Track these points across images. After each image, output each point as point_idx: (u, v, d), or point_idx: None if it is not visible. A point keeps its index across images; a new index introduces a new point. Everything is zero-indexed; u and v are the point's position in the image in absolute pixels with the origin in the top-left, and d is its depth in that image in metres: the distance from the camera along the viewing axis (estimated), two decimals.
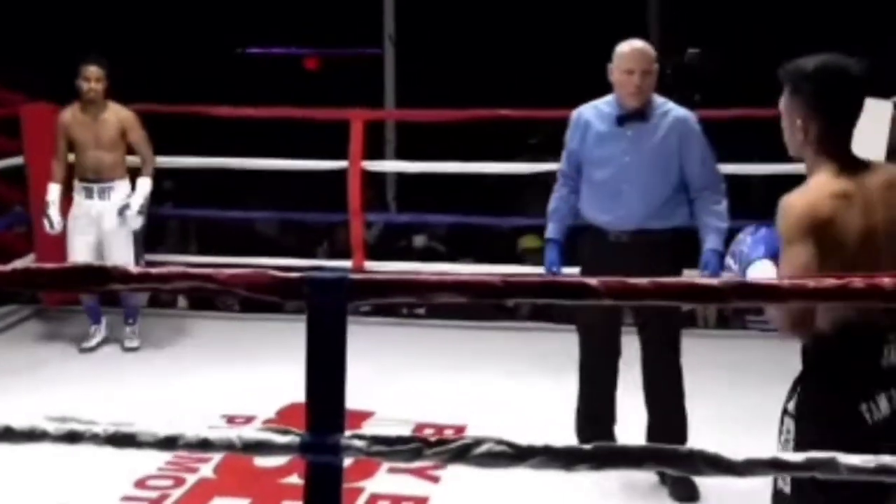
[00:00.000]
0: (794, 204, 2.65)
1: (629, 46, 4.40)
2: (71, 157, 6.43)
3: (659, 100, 4.48)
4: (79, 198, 6.34)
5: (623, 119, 4.43)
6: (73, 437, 2.18)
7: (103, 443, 2.17)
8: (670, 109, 4.46)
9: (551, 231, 4.65)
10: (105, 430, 2.18)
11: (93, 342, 6.52)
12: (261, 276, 2.17)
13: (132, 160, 6.47)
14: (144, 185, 6.35)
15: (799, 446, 2.65)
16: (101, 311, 6.60)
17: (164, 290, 2.21)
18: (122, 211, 6.27)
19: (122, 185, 6.36)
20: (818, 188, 2.67)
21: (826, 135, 2.72)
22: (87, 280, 2.24)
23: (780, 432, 2.77)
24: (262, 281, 2.16)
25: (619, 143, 4.43)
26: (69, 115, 6.33)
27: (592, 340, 4.65)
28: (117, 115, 6.30)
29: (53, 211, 6.32)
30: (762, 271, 2.74)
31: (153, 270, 2.24)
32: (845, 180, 2.69)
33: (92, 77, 6.21)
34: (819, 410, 2.66)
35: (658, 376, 4.54)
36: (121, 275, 2.19)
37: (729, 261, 2.92)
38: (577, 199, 4.59)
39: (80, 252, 6.30)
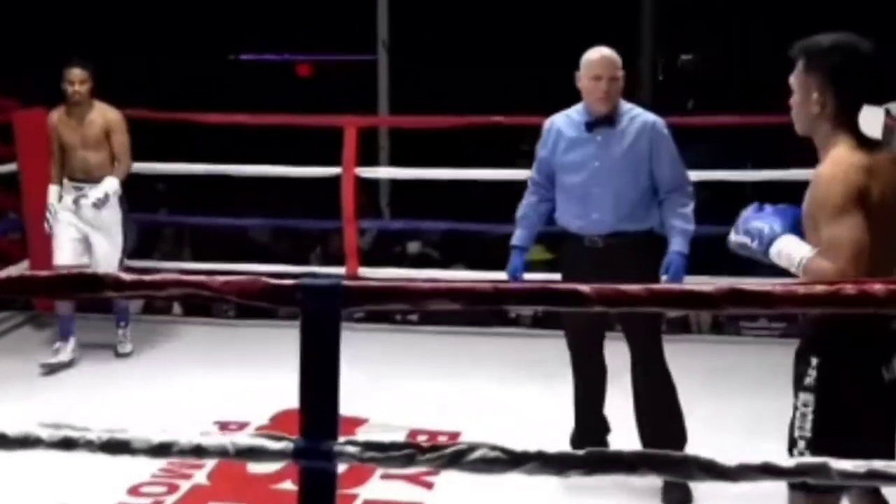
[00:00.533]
0: (836, 176, 2.77)
1: (597, 53, 4.49)
2: None
3: (626, 105, 4.56)
4: (67, 197, 6.32)
5: (592, 125, 4.51)
6: (67, 444, 2.18)
7: (97, 449, 2.17)
8: (638, 114, 4.55)
9: (517, 238, 4.74)
10: (99, 437, 2.18)
11: (55, 360, 6.28)
12: (254, 283, 2.18)
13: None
14: (110, 182, 6.25)
15: (821, 415, 2.78)
16: (75, 327, 6.41)
17: (159, 296, 2.21)
18: (76, 200, 6.25)
19: (99, 186, 6.28)
20: (850, 161, 2.79)
21: (843, 109, 2.84)
22: (80, 287, 2.24)
23: (796, 408, 2.86)
24: (256, 288, 2.17)
25: (588, 148, 4.51)
26: (56, 117, 6.35)
27: (576, 346, 4.71)
28: (104, 115, 6.30)
29: (53, 211, 6.33)
30: (792, 245, 2.85)
31: (147, 277, 2.24)
32: (864, 155, 2.81)
33: (76, 80, 6.21)
34: (842, 376, 2.78)
35: (645, 381, 4.57)
36: (114, 282, 2.19)
37: (744, 240, 2.98)
38: (546, 208, 4.69)
39: (64, 249, 6.27)
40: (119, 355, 6.51)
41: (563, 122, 4.60)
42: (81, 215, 6.28)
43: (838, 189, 2.74)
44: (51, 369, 6.20)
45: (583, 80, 4.48)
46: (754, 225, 2.94)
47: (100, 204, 6.19)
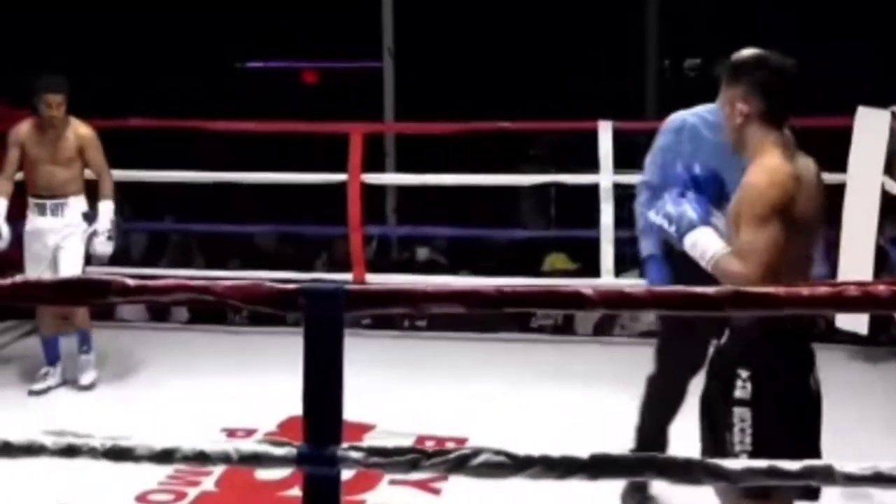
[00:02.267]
0: (765, 183, 2.83)
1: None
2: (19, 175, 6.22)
3: None
4: (32, 215, 6.13)
5: None
6: (70, 451, 2.19)
7: (100, 456, 2.18)
8: None
9: (647, 247, 4.24)
10: (102, 444, 2.19)
11: (42, 385, 6.08)
12: (257, 288, 2.18)
13: (90, 174, 6.23)
14: (107, 208, 6.07)
15: (761, 428, 2.82)
16: (60, 353, 6.20)
17: (163, 301, 2.22)
18: (90, 239, 6.08)
19: (76, 202, 6.14)
20: (780, 169, 2.85)
21: (768, 118, 2.92)
22: (85, 293, 2.25)
23: (731, 425, 2.86)
24: (259, 292, 2.17)
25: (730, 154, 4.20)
26: (25, 129, 6.10)
27: (675, 361, 4.32)
28: (76, 132, 6.09)
29: (1, 223, 6.04)
30: (706, 239, 2.90)
31: (151, 283, 2.25)
32: (792, 163, 2.90)
33: (54, 104, 5.98)
34: (776, 388, 2.83)
35: None
36: (120, 287, 2.19)
37: (662, 222, 3.01)
38: None
39: (36, 268, 6.07)
40: (81, 387, 6.12)
41: (699, 122, 4.18)
42: (54, 231, 6.06)
43: (770, 197, 2.81)
44: (39, 393, 6.01)
45: None
46: (674, 209, 2.97)
47: (113, 235, 6.05)
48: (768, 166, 2.86)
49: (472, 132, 7.80)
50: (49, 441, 2.19)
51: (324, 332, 2.19)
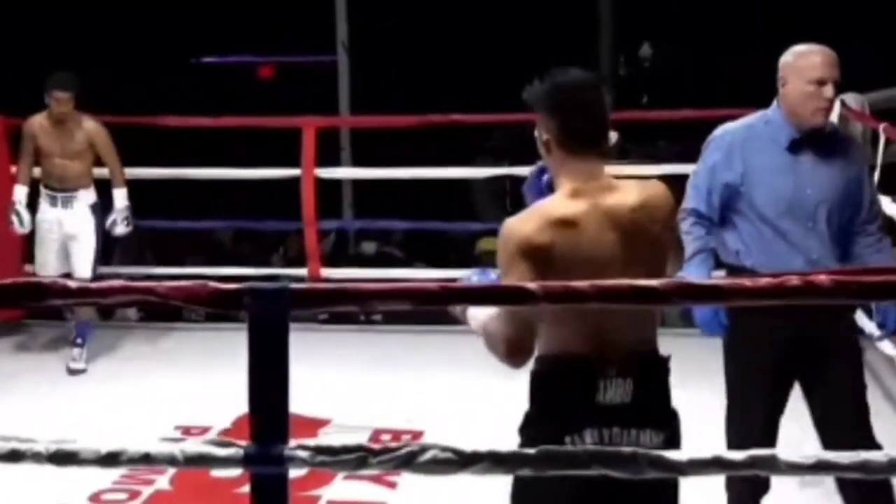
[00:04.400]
0: (511, 231, 2.56)
1: (818, 50, 3.65)
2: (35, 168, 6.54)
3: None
4: (44, 205, 6.49)
5: (798, 143, 3.66)
6: (14, 457, 2.16)
7: (45, 461, 2.16)
8: (837, 127, 3.83)
9: (701, 276, 3.63)
10: (47, 448, 2.16)
11: (81, 363, 6.40)
12: (201, 288, 2.17)
13: (99, 171, 6.57)
14: (121, 196, 6.51)
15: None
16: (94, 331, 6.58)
17: (105, 304, 2.20)
18: (111, 227, 6.51)
19: (86, 195, 6.47)
20: (541, 214, 2.57)
21: (562, 145, 2.62)
22: (25, 296, 2.23)
23: None
24: (203, 293, 2.16)
25: (796, 172, 3.65)
26: (37, 123, 6.43)
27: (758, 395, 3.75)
28: (85, 127, 6.42)
29: (23, 209, 6.46)
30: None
31: (93, 285, 2.23)
32: (578, 202, 2.57)
33: (63, 101, 6.32)
34: (531, 437, 2.58)
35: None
36: (60, 289, 2.18)
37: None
38: (716, 241, 3.78)
39: (47, 258, 6.45)
40: (72, 372, 6.38)
41: (748, 135, 3.72)
42: (65, 224, 6.39)
43: (507, 248, 2.55)
44: (79, 372, 6.35)
45: (791, 83, 3.62)
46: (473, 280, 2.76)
47: (129, 218, 6.53)
48: (532, 210, 2.60)
49: (427, 125, 7.79)
50: None
51: (269, 331, 2.18)
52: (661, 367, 2.63)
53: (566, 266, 2.49)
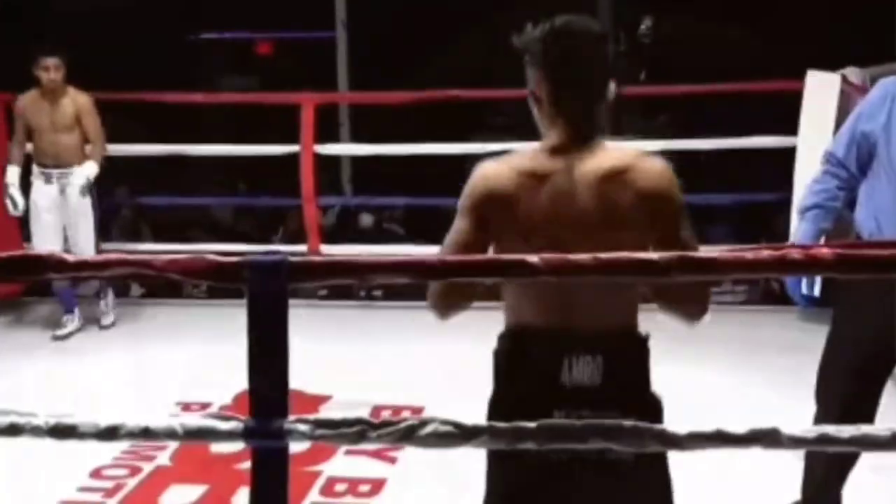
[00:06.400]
0: (479, 173, 2.44)
1: None
2: (29, 146, 6.51)
3: None
4: (38, 183, 6.44)
5: None
6: (13, 430, 2.16)
7: (44, 435, 2.15)
8: None
9: (805, 235, 3.48)
10: (46, 422, 2.16)
11: (65, 331, 6.52)
12: (198, 261, 2.15)
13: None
14: (90, 167, 6.40)
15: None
16: (76, 300, 6.63)
17: (102, 277, 2.19)
18: (63, 189, 6.37)
19: (80, 171, 6.42)
20: (512, 164, 2.42)
21: (549, 98, 2.43)
22: (22, 269, 2.22)
23: None
24: (199, 266, 2.14)
25: None
26: (27, 100, 6.42)
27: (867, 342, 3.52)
28: (74, 99, 6.39)
29: (15, 192, 6.42)
30: None
31: (90, 258, 2.23)
32: (554, 159, 2.41)
33: (51, 67, 6.29)
34: (492, 416, 2.44)
35: None
36: (57, 263, 2.16)
37: None
38: (846, 198, 3.54)
39: (45, 236, 6.40)
40: (102, 327, 6.63)
41: None
42: (63, 202, 6.37)
43: (465, 190, 2.44)
44: (64, 338, 6.47)
45: None
46: None
47: (85, 190, 6.36)
48: (505, 156, 2.46)
49: (426, 101, 7.77)
50: None
51: (267, 304, 2.17)
52: (636, 346, 2.44)
53: (524, 220, 2.37)
